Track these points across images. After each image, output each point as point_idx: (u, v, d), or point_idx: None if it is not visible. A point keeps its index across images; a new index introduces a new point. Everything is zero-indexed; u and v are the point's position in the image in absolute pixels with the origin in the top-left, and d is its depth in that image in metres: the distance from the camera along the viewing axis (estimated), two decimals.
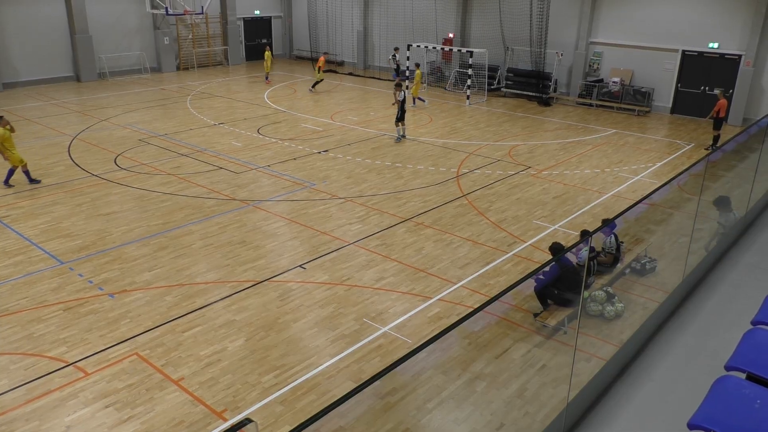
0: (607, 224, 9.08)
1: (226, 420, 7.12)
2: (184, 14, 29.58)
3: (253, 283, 10.19)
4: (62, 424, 7.04)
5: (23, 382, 7.70)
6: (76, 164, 16.25)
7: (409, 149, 17.89)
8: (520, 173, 15.81)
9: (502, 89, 26.49)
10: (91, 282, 10.16)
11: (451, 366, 8.18)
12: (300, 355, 8.33)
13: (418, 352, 4.27)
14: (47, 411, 7.23)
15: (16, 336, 8.66)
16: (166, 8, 28.50)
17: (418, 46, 26.45)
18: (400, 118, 18.51)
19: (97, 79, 28.69)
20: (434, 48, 26.69)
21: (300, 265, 10.78)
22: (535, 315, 8.93)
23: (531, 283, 8.94)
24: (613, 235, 9.65)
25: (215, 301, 9.62)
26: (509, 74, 26.20)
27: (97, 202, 13.57)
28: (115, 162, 16.38)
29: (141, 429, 6.97)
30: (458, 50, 25.78)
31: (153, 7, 29.06)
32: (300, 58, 36.14)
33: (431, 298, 9.74)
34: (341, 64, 33.67)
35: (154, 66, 31.16)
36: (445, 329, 4.60)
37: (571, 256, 8.87)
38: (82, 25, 27.60)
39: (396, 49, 28.20)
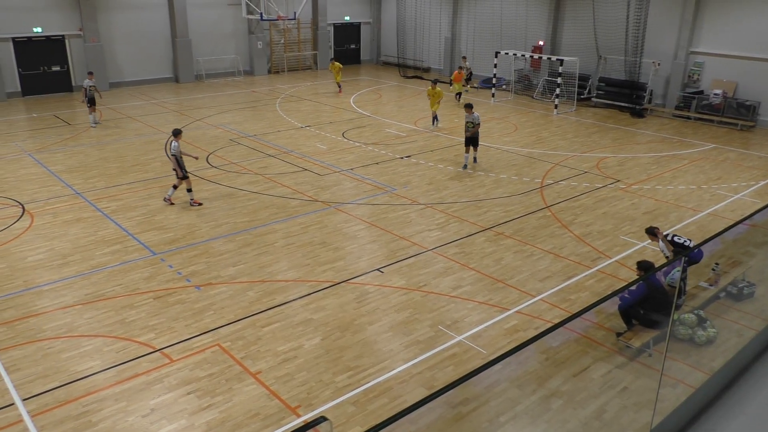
0: (682, 256, 8.47)
1: (299, 416, 7.26)
2: (278, 19, 30.59)
3: (331, 283, 10.36)
4: (147, 406, 7.41)
5: (114, 364, 8.17)
6: None
7: (492, 158, 17.64)
8: (608, 186, 15.24)
9: (592, 99, 25.66)
10: (179, 273, 10.66)
11: (527, 380, 7.98)
12: (374, 357, 8.38)
13: (494, 364, 4.19)
14: (134, 393, 7.63)
15: (110, 320, 9.21)
16: (261, 14, 29.59)
17: (506, 53, 26.08)
18: (472, 143, 16.37)
19: (194, 80, 30.15)
20: (522, 56, 26.23)
21: (378, 269, 10.85)
22: (618, 335, 8.56)
23: (615, 301, 8.58)
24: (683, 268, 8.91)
25: (294, 299, 9.85)
26: (601, 84, 25.33)
27: (188, 198, 14.21)
28: (206, 160, 17.14)
29: (219, 418, 7.23)
30: (548, 58, 25.21)
31: (249, 12, 30.22)
32: (387, 64, 36.51)
33: (509, 310, 9.55)
34: (427, 70, 33.72)
35: (247, 69, 32.40)
36: (523, 343, 4.48)
37: (660, 276, 8.45)
38: (182, 30, 29.11)
39: (464, 58, 28.08)
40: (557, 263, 11.12)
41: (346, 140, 19.43)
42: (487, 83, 28.34)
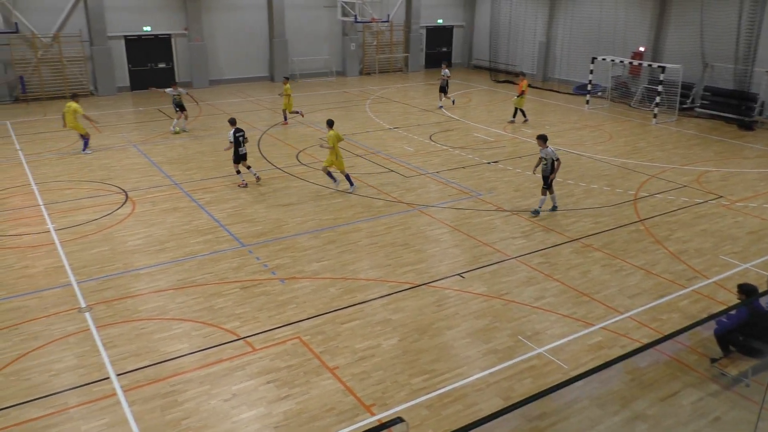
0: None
1: (373, 414, 7.30)
2: (371, 22, 30.99)
3: (411, 285, 10.36)
4: (229, 391, 7.69)
5: (201, 349, 8.55)
6: (264, 157, 17.74)
7: (583, 166, 17.06)
8: (709, 202, 14.36)
9: (695, 109, 24.26)
10: (266, 266, 11.01)
11: (610, 400, 7.65)
12: (450, 362, 8.30)
13: (576, 380, 4.04)
14: (218, 378, 7.94)
15: (200, 306, 9.64)
16: (355, 16, 30.08)
17: (604, 59, 25.15)
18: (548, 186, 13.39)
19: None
20: (621, 62, 25.20)
21: (459, 274, 10.75)
22: (713, 360, 8.04)
23: (711, 325, 8.08)
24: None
25: (374, 299, 9.92)
26: (706, 93, 23.92)
27: (278, 194, 14.68)
28: (296, 157, 17.61)
29: (296, 409, 7.39)
30: (648, 65, 24.10)
31: (344, 14, 30.82)
32: (478, 68, 36.15)
33: (593, 325, 9.18)
34: (519, 75, 33.08)
35: (340, 70, 33.04)
36: (608, 361, 4.30)
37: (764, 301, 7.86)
38: (279, 30, 30.10)
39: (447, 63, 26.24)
40: (648, 280, 10.59)
41: (433, 143, 19.39)
42: (581, 90, 27.46)
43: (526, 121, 22.27)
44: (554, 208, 13.68)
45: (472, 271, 10.87)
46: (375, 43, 33.84)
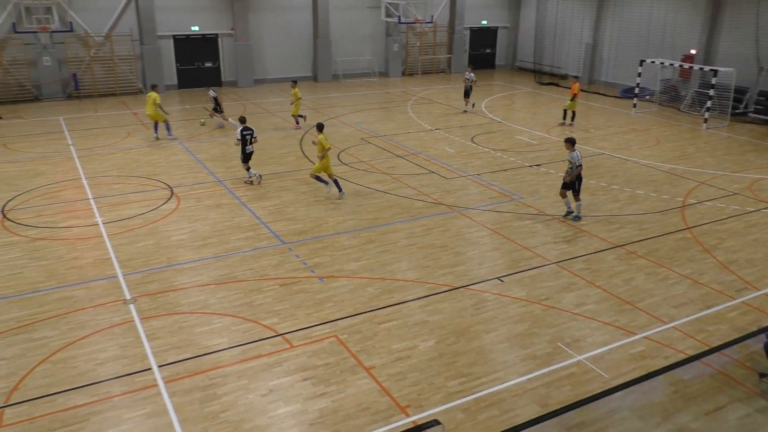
0: None
1: (408, 416, 7.28)
2: (415, 23, 30.98)
3: (449, 288, 10.30)
4: (266, 386, 7.78)
5: (240, 344, 8.67)
6: (305, 156, 17.91)
7: (629, 171, 16.68)
8: (762, 211, 13.85)
9: (749, 114, 23.44)
10: (305, 264, 11.11)
11: (651, 412, 7.45)
12: (487, 366, 8.22)
13: (616, 390, 3.96)
14: (256, 373, 8.05)
15: (240, 302, 9.79)
16: (399, 17, 30.12)
17: (653, 62, 24.54)
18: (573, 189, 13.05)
19: (331, 80, 31.31)
20: (671, 64, 24.54)
21: (498, 277, 10.63)
22: (762, 375, 7.75)
23: (761, 339, 7.79)
24: None
25: (412, 300, 9.90)
26: (761, 98, 23.09)
27: (319, 193, 14.78)
28: (338, 157, 17.72)
29: (331, 407, 7.43)
30: (700, 68, 23.40)
31: (387, 15, 30.88)
32: (522, 69, 35.73)
33: (636, 334, 8.96)
34: (564, 77, 32.56)
35: (382, 71, 33.12)
36: (652, 372, 4.19)
37: None
38: (324, 31, 30.35)
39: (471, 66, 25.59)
40: (695, 290, 10.27)
41: (474, 145, 19.25)
42: (628, 93, 26.85)
43: (571, 124, 21.89)
44: (568, 214, 13.27)
45: (511, 275, 10.75)
46: (418, 44, 33.79)
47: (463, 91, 24.46)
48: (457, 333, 8.98)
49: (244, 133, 15.12)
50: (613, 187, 15.39)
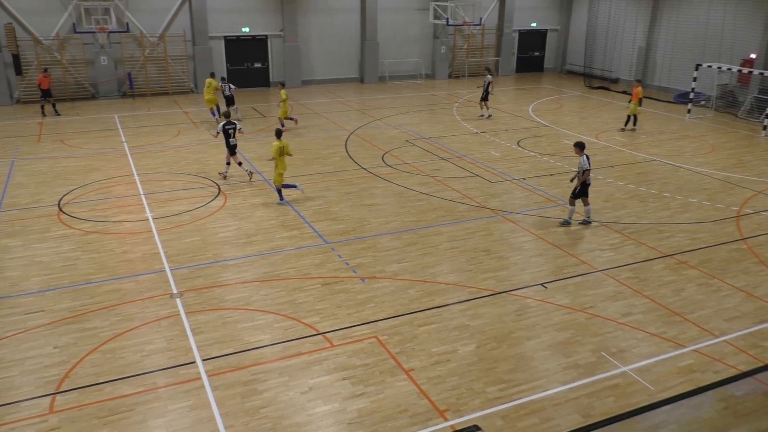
0: None
1: (446, 420, 7.23)
2: (463, 25, 30.80)
3: (491, 292, 10.19)
4: (306, 384, 7.85)
5: (281, 341, 8.78)
6: (350, 156, 18.02)
7: (682, 179, 16.18)
8: None
9: None
10: (347, 264, 11.17)
11: (699, 428, 7.18)
12: (528, 373, 8.10)
13: (663, 404, 3.83)
14: (296, 370, 8.13)
15: (282, 299, 9.91)
16: (447, 19, 30.01)
17: (709, 66, 23.75)
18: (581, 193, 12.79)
19: (378, 81, 31.44)
20: (729, 69, 23.70)
21: (542, 284, 10.47)
22: None
23: None
24: None
25: (453, 303, 9.84)
26: None
27: (363, 193, 14.86)
28: (382, 158, 17.77)
29: (369, 407, 7.44)
30: (760, 73, 22.53)
31: (435, 17, 30.80)
32: (571, 73, 35.12)
33: (685, 347, 8.68)
34: (615, 81, 31.85)
35: (429, 73, 33.06)
36: (701, 387, 4.05)
37: None
38: (371, 33, 30.49)
39: (488, 69, 24.71)
40: (749, 303, 9.89)
41: (520, 149, 19.01)
42: (683, 98, 26.06)
43: (634, 129, 21.35)
44: (565, 222, 12.98)
45: (555, 281, 10.56)
46: (465, 47, 33.60)
47: (481, 95, 23.75)
48: (498, 338, 8.88)
49: (227, 127, 15.50)
50: (665, 194, 14.95)
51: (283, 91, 20.69)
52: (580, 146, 12.79)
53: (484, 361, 8.36)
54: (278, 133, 14.16)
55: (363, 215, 13.51)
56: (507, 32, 33.74)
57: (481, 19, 31.73)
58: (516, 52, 35.12)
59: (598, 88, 30.45)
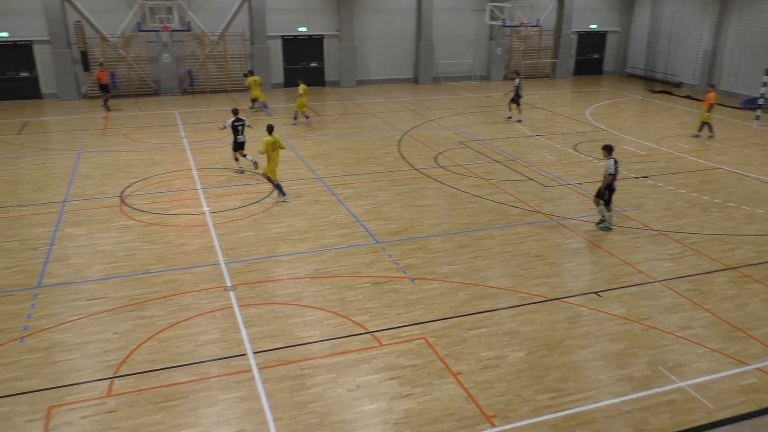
0: None
1: (494, 426, 7.14)
2: (520, 26, 30.37)
3: (543, 299, 10.01)
4: (353, 382, 7.89)
5: (330, 337, 8.85)
6: (403, 157, 18.03)
7: (748, 188, 15.50)
8: None
9: None
10: (397, 264, 11.17)
11: None
12: (580, 383, 7.91)
13: (723, 424, 3.68)
14: (344, 368, 8.18)
15: (332, 297, 10.00)
16: (504, 20, 29.65)
17: None
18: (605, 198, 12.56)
19: (432, 82, 31.35)
20: None
21: (596, 292, 10.21)
22: None
23: None
24: None
25: (503, 308, 9.71)
26: None
27: (415, 194, 14.84)
28: (435, 160, 17.70)
29: (416, 408, 7.42)
30: None
31: (492, 18, 30.49)
32: (632, 76, 34.16)
33: (747, 365, 8.30)
34: (678, 85, 30.79)
35: (484, 74, 32.76)
36: (766, 408, 3.86)
37: None
38: (427, 33, 30.43)
39: (516, 73, 23.97)
40: None
41: (576, 153, 18.61)
42: (751, 104, 24.97)
43: (711, 136, 20.57)
44: (601, 223, 12.79)
45: (610, 290, 10.29)
46: (522, 48, 33.15)
47: (511, 98, 23.20)
48: (549, 346, 8.71)
49: (236, 123, 15.93)
50: (729, 204, 14.36)
51: (302, 86, 21.34)
52: (608, 149, 12.58)
53: (535, 368, 8.22)
54: (270, 129, 14.28)
55: (414, 216, 13.49)
56: (565, 34, 33.11)
57: (538, 20, 31.22)
58: (574, 54, 34.41)
59: (659, 92, 29.51)
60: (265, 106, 23.85)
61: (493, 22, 30.57)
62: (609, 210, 12.71)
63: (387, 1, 29.95)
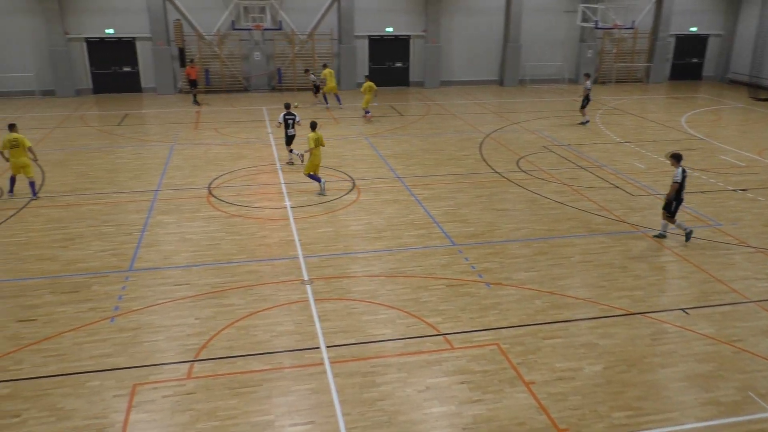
0: None
1: None
2: (613, 28, 29.29)
3: (625, 312, 9.60)
4: (423, 383, 7.87)
5: (402, 337, 8.87)
6: (484, 159, 17.80)
7: None
8: None
9: None
10: (473, 267, 11.04)
11: None
12: (660, 403, 7.53)
13: None
14: (414, 368, 8.17)
15: (407, 296, 10.01)
16: (596, 21, 28.67)
17: None
18: (670, 210, 12.07)
19: (517, 85, 30.78)
20: None
21: (683, 309, 9.69)
22: None
23: None
24: None
25: (581, 319, 9.39)
26: None
27: (494, 198, 14.62)
28: (516, 163, 17.37)
29: (486, 415, 7.31)
30: None
31: (584, 20, 29.55)
32: (734, 82, 32.17)
33: None
34: None
35: (572, 77, 31.83)
36: None
37: None
38: (515, 35, 29.90)
39: (587, 75, 22.40)
40: None
41: (668, 162, 17.71)
42: None
43: None
44: (661, 235, 12.36)
45: (698, 308, 9.73)
46: (614, 51, 31.93)
47: (582, 102, 22.48)
48: (628, 362, 8.34)
49: (287, 117, 16.79)
50: None
51: (367, 83, 22.77)
52: (676, 158, 12.04)
53: (612, 383, 7.90)
54: (313, 125, 14.85)
55: (493, 219, 13.29)
56: (662, 36, 31.61)
57: (633, 22, 29.98)
58: (671, 58, 32.80)
59: (765, 99, 27.62)
60: (338, 99, 25.11)
61: (585, 24, 29.63)
62: (673, 223, 12.13)
63: (475, 1, 29.67)
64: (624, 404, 7.52)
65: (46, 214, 13.45)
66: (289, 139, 17.00)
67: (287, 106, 17.22)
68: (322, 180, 14.74)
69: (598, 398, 7.62)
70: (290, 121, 16.85)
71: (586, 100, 22.21)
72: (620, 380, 7.97)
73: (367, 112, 22.87)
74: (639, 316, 9.50)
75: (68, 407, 7.37)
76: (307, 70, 26.95)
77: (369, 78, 23.37)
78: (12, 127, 14.29)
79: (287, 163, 17.16)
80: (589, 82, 22.18)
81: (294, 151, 17.00)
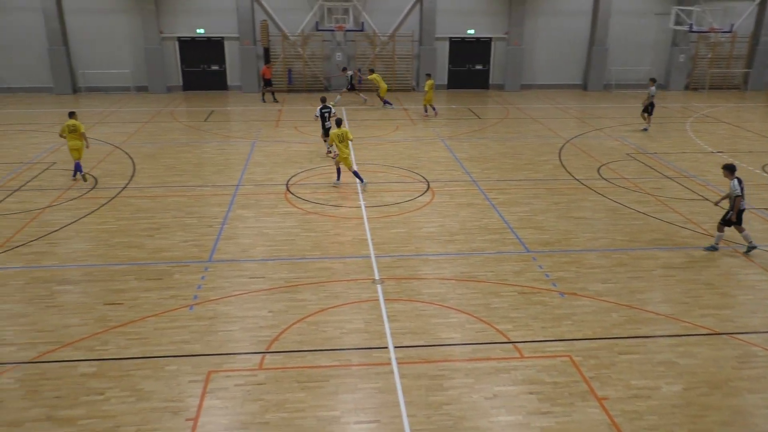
0: None
1: None
2: (710, 32, 27.80)
3: (709, 331, 9.08)
4: (491, 390, 7.74)
5: (472, 342, 8.76)
6: (563, 165, 17.33)
7: None
8: None
9: None
10: (547, 276, 10.76)
11: None
12: (746, 431, 7.07)
13: None
14: (482, 374, 8.05)
15: (477, 301, 9.88)
16: (691, 24, 27.31)
17: None
18: (731, 222, 11.59)
19: (602, 89, 29.78)
20: None
21: None
22: None
23: None
24: None
25: (661, 336, 8.96)
26: None
27: (572, 205, 14.20)
28: (597, 171, 16.80)
29: (554, 428, 7.10)
30: None
31: (677, 23, 28.21)
32: None
33: None
34: None
35: (661, 83, 30.47)
36: None
37: None
38: (601, 37, 28.95)
39: (653, 80, 20.85)
40: None
41: (765, 175, 16.64)
42: None
43: None
44: (750, 249, 11.69)
45: None
46: (709, 56, 30.31)
47: (644, 107, 21.37)
48: (711, 384, 7.88)
49: (323, 111, 17.57)
50: None
51: (429, 82, 23.19)
52: (729, 169, 11.58)
53: (692, 406, 7.49)
54: (338, 122, 15.47)
55: (570, 228, 12.91)
56: (764, 41, 29.72)
57: (732, 25, 28.33)
58: None
59: None
60: (386, 102, 25.40)
61: (679, 27, 28.29)
62: (741, 231, 11.62)
63: (561, 2, 28.97)
64: (705, 428, 7.11)
65: (135, 203, 14.21)
66: (327, 132, 17.57)
67: (323, 100, 18.09)
68: (364, 180, 15.20)
69: (676, 419, 7.25)
70: (326, 114, 17.61)
71: (651, 106, 21.19)
72: (701, 403, 7.55)
73: (434, 109, 23.63)
74: (725, 336, 8.96)
75: (147, 389, 7.74)
76: (344, 69, 27.47)
77: (430, 76, 23.79)
78: (72, 115, 15.68)
79: (327, 154, 17.91)
80: (653, 88, 21.16)
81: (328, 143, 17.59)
